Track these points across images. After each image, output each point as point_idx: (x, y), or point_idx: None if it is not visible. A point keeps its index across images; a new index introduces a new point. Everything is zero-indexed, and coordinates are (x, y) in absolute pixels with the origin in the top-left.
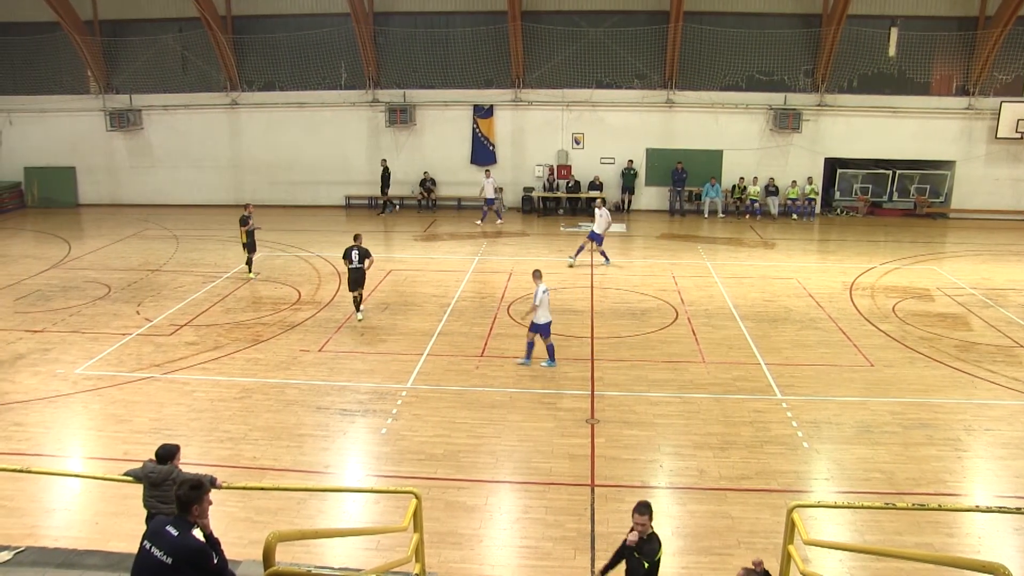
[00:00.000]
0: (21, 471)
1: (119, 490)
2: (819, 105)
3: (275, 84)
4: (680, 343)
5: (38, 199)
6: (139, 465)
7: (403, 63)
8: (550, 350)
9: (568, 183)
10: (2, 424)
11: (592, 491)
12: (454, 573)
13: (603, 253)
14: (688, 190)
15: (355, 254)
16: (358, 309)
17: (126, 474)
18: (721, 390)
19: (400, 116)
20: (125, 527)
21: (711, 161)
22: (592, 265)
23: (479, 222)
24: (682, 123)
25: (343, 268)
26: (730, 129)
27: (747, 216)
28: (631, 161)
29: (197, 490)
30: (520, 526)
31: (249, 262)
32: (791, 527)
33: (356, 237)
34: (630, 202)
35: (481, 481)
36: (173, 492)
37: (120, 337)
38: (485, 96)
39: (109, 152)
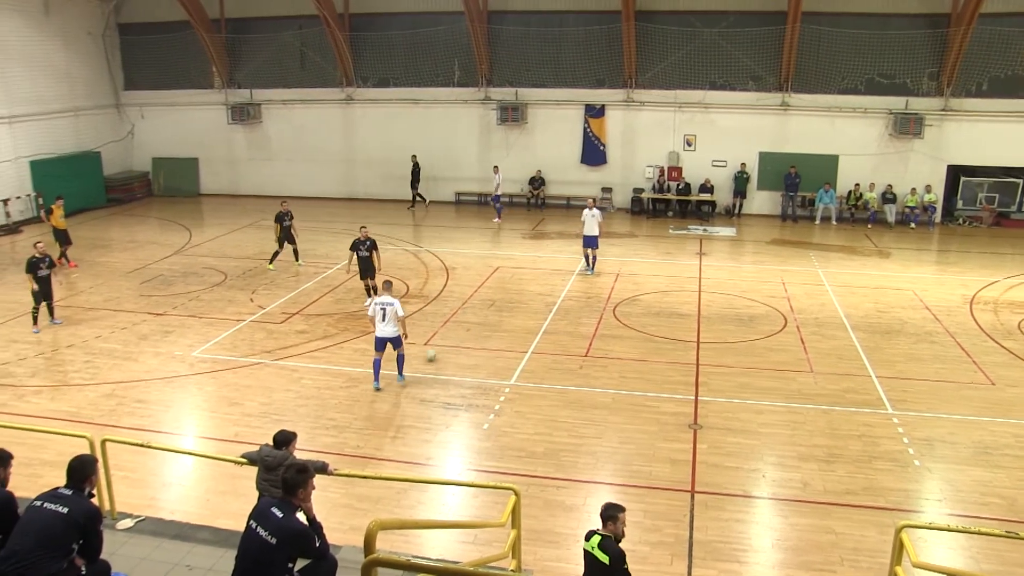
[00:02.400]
0: (142, 445)
1: (228, 470)
2: (943, 109)
3: (389, 80)
4: (788, 351)
5: (163, 188)
6: (253, 448)
7: (516, 61)
8: (375, 366)
9: (678, 185)
10: (127, 400)
11: (692, 497)
12: (550, 571)
13: (590, 258)
14: (801, 195)
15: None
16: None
17: (242, 456)
18: (829, 401)
19: (512, 114)
20: (233, 506)
21: (826, 166)
22: (700, 268)
23: (496, 220)
24: (797, 127)
25: (451, 263)
26: (847, 133)
27: (862, 224)
28: (743, 164)
29: (303, 474)
30: None
31: (294, 253)
32: (899, 547)
33: (362, 228)
34: (741, 206)
35: (580, 481)
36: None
37: (234, 323)
38: (597, 96)
39: (229, 144)
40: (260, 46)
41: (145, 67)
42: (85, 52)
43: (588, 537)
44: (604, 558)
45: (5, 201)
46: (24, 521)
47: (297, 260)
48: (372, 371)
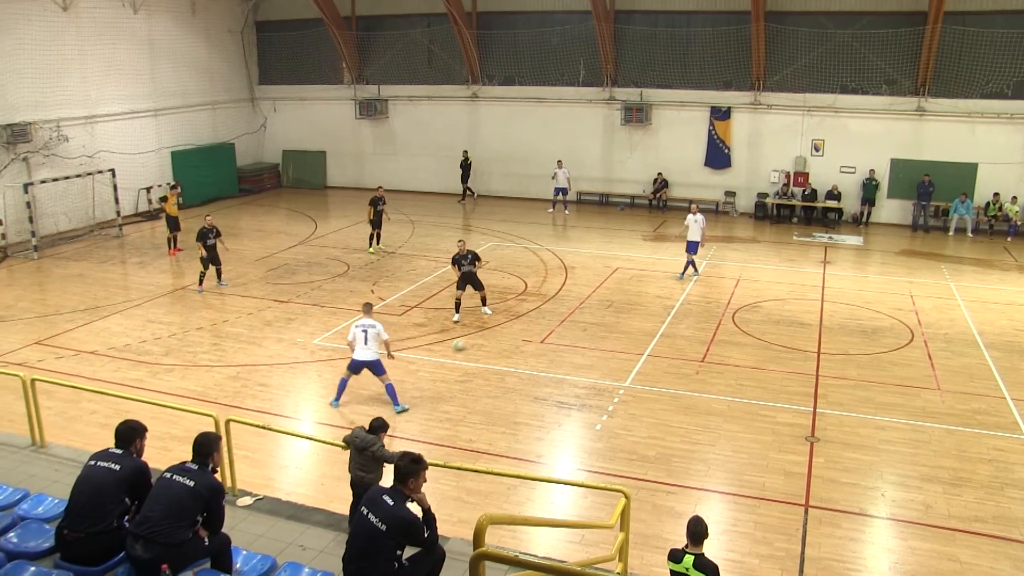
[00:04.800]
0: (263, 427)
1: (343, 456)
2: None
3: (514, 79)
4: (913, 367)
5: (292, 180)
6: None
7: (642, 62)
8: (341, 384)
9: (804, 191)
10: (250, 383)
11: (806, 512)
12: None
13: (691, 264)
14: (934, 205)
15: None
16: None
17: (343, 440)
18: (957, 421)
19: (636, 115)
20: (346, 491)
21: (963, 175)
22: (824, 276)
23: (550, 211)
24: (932, 133)
25: (570, 262)
26: (988, 140)
27: (1001, 236)
28: (872, 171)
29: (416, 464)
30: (727, 538)
31: (376, 237)
32: None
33: (459, 242)
34: (869, 214)
35: (691, 488)
36: (373, 464)
37: (355, 313)
38: (723, 98)
39: (356, 139)
40: (389, 43)
41: (279, 63)
42: (225, 48)
43: (678, 558)
44: None
45: (148, 189)
46: (155, 491)
47: (378, 244)
48: (337, 386)
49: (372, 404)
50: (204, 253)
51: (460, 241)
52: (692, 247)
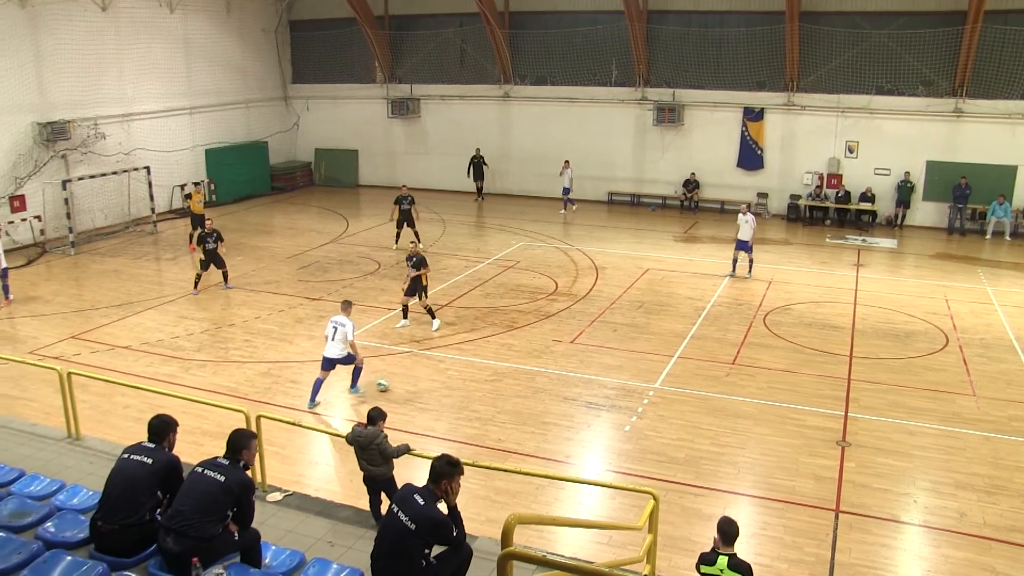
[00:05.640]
0: (293, 424)
1: None
2: None
3: (546, 79)
4: (947, 372)
5: (324, 178)
6: (398, 435)
7: (674, 62)
8: (316, 385)
9: (838, 193)
10: (281, 380)
11: (836, 517)
12: None
13: (745, 262)
14: (971, 208)
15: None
16: (404, 316)
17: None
18: (992, 428)
19: (668, 115)
20: None
21: (1001, 177)
22: (857, 279)
23: (563, 211)
24: (970, 134)
25: (601, 262)
26: None
27: None
28: (907, 173)
29: (452, 466)
30: (756, 542)
31: (414, 235)
32: None
33: (412, 243)
34: (904, 217)
35: (720, 491)
36: (380, 457)
37: (386, 311)
38: (756, 99)
39: (388, 138)
40: (422, 42)
41: (312, 62)
42: (259, 48)
43: (711, 560)
44: None
45: (182, 186)
46: (187, 485)
47: (418, 242)
48: (357, 381)
49: (404, 405)
50: (202, 256)
51: (412, 242)
52: (741, 245)
